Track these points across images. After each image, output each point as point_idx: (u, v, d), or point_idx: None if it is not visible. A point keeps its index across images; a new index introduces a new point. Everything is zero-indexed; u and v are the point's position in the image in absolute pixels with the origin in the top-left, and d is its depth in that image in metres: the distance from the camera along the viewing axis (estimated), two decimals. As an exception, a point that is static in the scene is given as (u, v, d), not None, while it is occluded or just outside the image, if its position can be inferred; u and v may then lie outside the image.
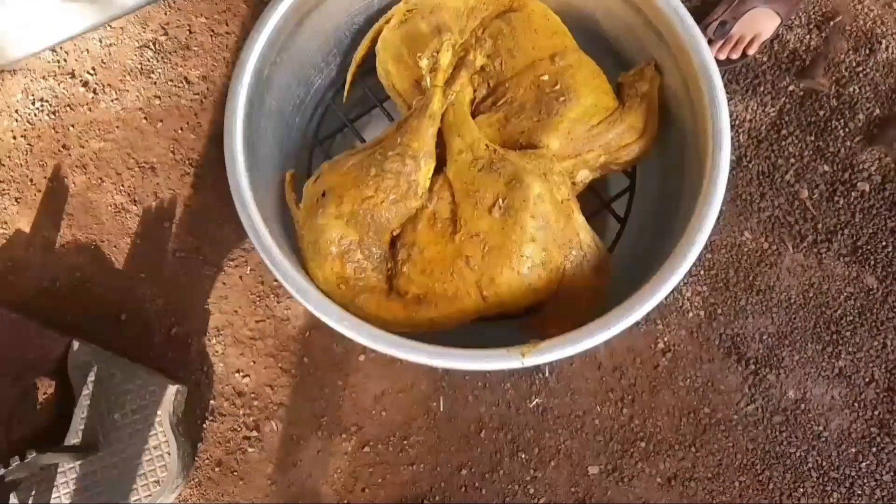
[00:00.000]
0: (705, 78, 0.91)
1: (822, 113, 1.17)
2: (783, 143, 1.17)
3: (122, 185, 1.16)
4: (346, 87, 1.08)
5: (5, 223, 1.15)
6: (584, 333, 0.83)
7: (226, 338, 1.10)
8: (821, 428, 1.07)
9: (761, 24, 1.17)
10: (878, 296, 1.11)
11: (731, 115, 1.19)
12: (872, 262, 1.12)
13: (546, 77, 0.99)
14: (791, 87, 1.19)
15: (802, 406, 1.07)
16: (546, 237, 0.90)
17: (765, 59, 1.20)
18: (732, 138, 1.18)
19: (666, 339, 1.10)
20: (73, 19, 0.82)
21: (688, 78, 0.94)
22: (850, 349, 1.09)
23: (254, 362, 1.09)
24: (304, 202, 0.96)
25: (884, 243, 1.12)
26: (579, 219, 0.93)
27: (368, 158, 0.95)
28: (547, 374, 1.09)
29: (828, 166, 1.16)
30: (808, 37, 1.21)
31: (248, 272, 1.12)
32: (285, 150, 1.04)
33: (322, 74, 1.09)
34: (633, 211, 1.06)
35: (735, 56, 1.19)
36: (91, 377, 1.03)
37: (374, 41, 1.05)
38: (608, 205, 1.05)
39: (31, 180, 1.17)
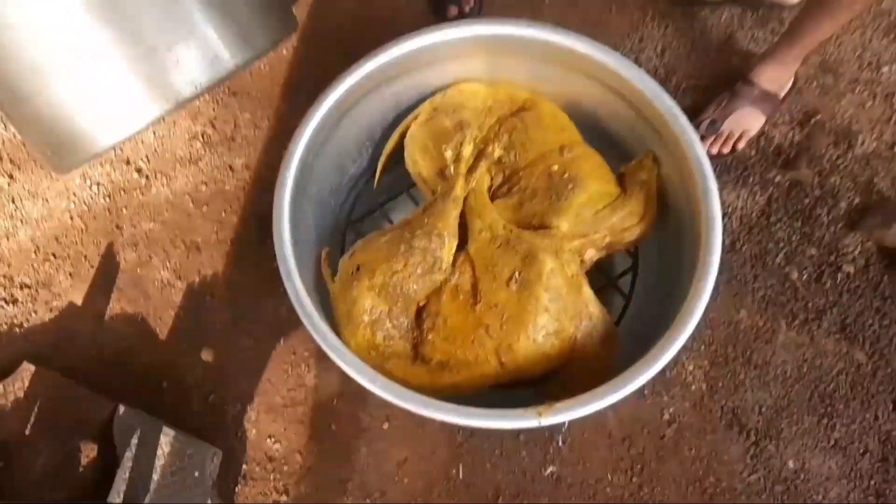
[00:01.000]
0: (698, 168, 1.02)
1: (806, 201, 1.29)
2: (772, 228, 1.28)
3: (169, 263, 1.27)
4: (377, 174, 1.20)
5: (59, 296, 1.25)
6: (596, 395, 0.91)
7: (259, 405, 1.17)
8: (820, 497, 1.12)
9: (748, 122, 1.31)
10: (867, 370, 1.18)
11: (723, 204, 1.31)
12: (861, 340, 1.20)
13: (556, 167, 1.11)
14: (778, 178, 1.31)
15: (802, 476, 1.13)
16: (558, 308, 0.99)
17: (753, 153, 1.33)
18: (725, 224, 1.30)
19: (671, 410, 1.17)
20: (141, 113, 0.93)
21: (682, 168, 1.06)
22: (844, 421, 1.15)
23: (284, 429, 1.16)
24: (340, 275, 1.06)
25: (870, 321, 1.21)
26: (588, 292, 1.03)
27: (398, 237, 1.06)
28: (560, 444, 1.16)
29: (815, 250, 1.26)
30: (791, 133, 1.34)
31: (281, 343, 1.21)
32: (321, 230, 1.15)
33: (356, 164, 1.22)
34: (636, 288, 1.16)
35: (726, 150, 1.32)
36: (134, 440, 1.10)
37: (403, 135, 1.18)
38: (614, 282, 1.16)
39: (85, 256, 1.28)
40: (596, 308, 1.03)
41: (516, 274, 1.00)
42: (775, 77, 1.29)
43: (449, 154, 1.11)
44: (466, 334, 1.02)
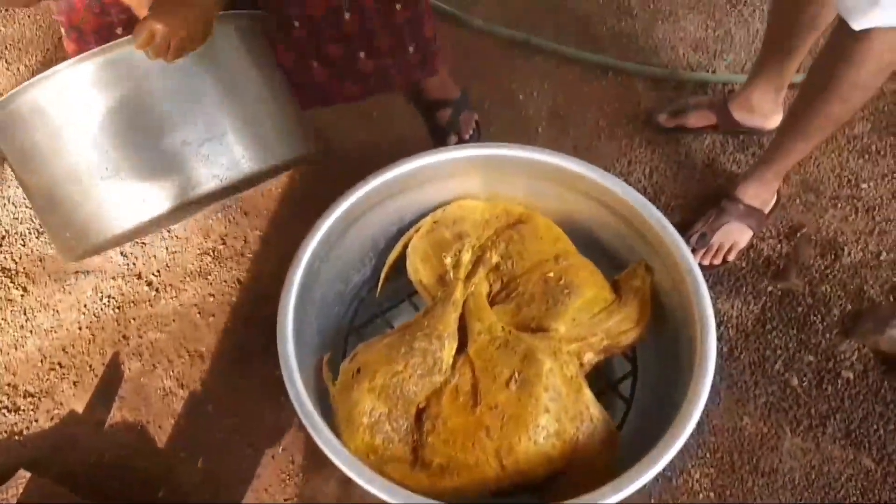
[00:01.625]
0: (688, 272, 1.06)
1: (799, 310, 1.32)
2: (769, 336, 1.30)
3: (173, 371, 1.28)
4: (380, 283, 1.25)
5: (61, 404, 1.25)
6: (595, 496, 0.90)
7: (255, 516, 1.15)
8: None
9: (736, 236, 1.37)
10: (877, 476, 1.16)
11: (718, 312, 1.34)
12: (867, 445, 1.19)
13: (552, 274, 1.15)
14: (770, 288, 1.35)
15: (820, 591, 1.08)
16: (558, 409, 1.00)
17: (743, 264, 1.38)
18: (722, 332, 1.32)
19: (679, 520, 1.14)
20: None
21: (674, 275, 1.10)
22: (859, 531, 1.12)
23: (279, 541, 1.13)
24: (340, 378, 1.08)
25: (875, 427, 1.20)
26: (588, 394, 1.04)
27: (399, 339, 1.08)
28: (565, 556, 1.11)
29: (812, 357, 1.27)
30: (779, 245, 1.39)
31: (280, 452, 1.20)
32: (324, 336, 1.17)
33: (360, 273, 1.27)
34: (636, 392, 1.16)
35: (717, 262, 1.37)
36: (124, 551, 1.07)
37: (405, 247, 1.24)
38: (615, 386, 1.16)
39: (90, 366, 1.29)
40: (596, 409, 1.04)
41: (516, 374, 1.01)
42: (757, 194, 1.36)
43: (448, 261, 1.16)
44: (467, 436, 1.01)
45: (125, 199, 0.96)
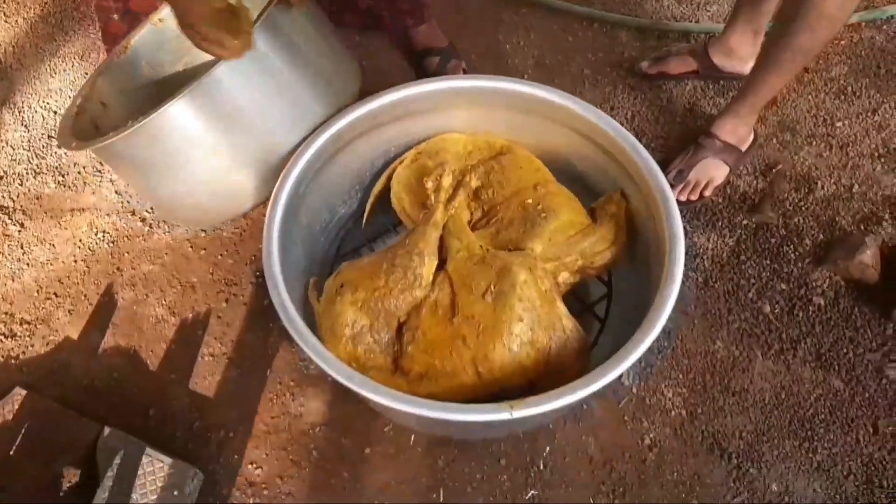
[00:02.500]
0: (659, 194, 1.09)
1: (773, 241, 1.35)
2: (742, 266, 1.34)
3: (165, 300, 1.32)
4: (366, 214, 1.28)
5: (56, 331, 1.30)
6: (566, 390, 0.93)
7: (243, 432, 1.19)
8: (808, 522, 1.11)
9: (713, 172, 1.40)
10: (845, 396, 1.20)
11: (694, 245, 1.38)
12: (836, 367, 1.23)
13: (530, 200, 1.19)
14: (745, 222, 1.38)
15: (786, 499, 1.12)
16: (532, 318, 1.03)
17: (720, 200, 1.42)
18: (697, 264, 1.36)
19: (651, 435, 1.18)
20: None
21: (647, 198, 1.13)
22: (825, 444, 1.16)
23: (266, 455, 1.17)
24: (325, 294, 1.12)
25: (844, 350, 1.24)
26: (562, 308, 1.08)
27: (381, 257, 1.12)
28: (541, 467, 1.15)
29: (784, 285, 1.31)
30: (754, 182, 1.43)
31: (267, 374, 1.24)
32: (311, 261, 1.21)
33: (346, 205, 1.30)
34: (611, 313, 1.20)
35: (693, 198, 1.41)
36: (117, 460, 1.11)
37: (390, 178, 1.28)
38: (590, 308, 1.20)
39: (85, 295, 1.33)
40: (569, 321, 1.08)
41: (492, 286, 1.05)
42: (734, 130, 1.40)
43: (430, 185, 1.20)
44: (445, 346, 1.05)
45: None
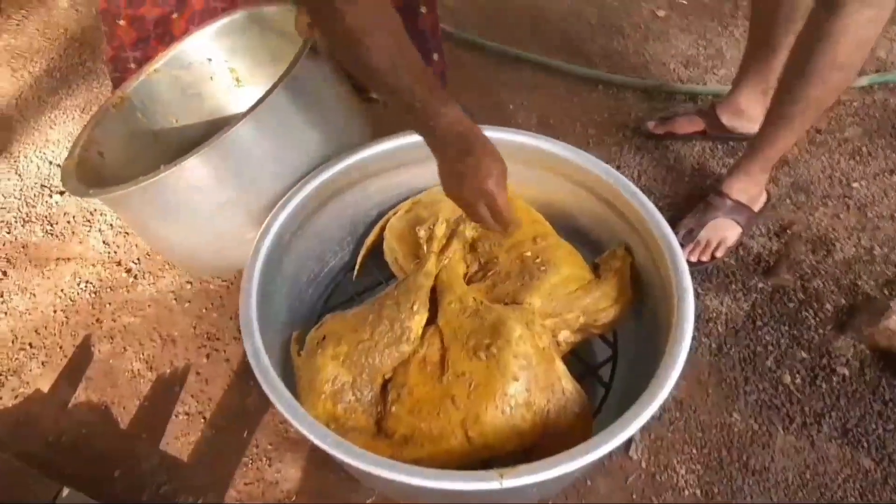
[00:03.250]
0: (667, 248, 1.02)
1: (791, 305, 1.27)
2: (759, 332, 1.25)
3: (143, 354, 1.25)
4: (357, 266, 1.22)
5: (27, 383, 1.22)
6: (564, 458, 0.84)
7: (212, 499, 1.09)
8: None
9: (724, 232, 1.33)
10: (876, 477, 1.08)
11: (707, 309, 1.29)
12: (865, 444, 1.12)
13: (529, 253, 1.12)
14: (760, 285, 1.30)
15: (815, 592, 0.99)
16: (528, 377, 0.95)
17: (732, 262, 1.34)
18: (710, 329, 1.27)
19: (662, 516, 1.07)
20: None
21: (654, 253, 1.06)
22: (857, 530, 1.04)
23: (237, 525, 1.07)
24: (306, 347, 1.04)
25: (873, 425, 1.13)
26: (561, 366, 0.99)
27: (367, 308, 1.05)
28: (540, 547, 1.04)
29: (805, 353, 1.22)
30: (769, 243, 1.36)
31: (244, 436, 1.15)
32: (294, 314, 1.14)
33: (337, 256, 1.24)
34: (616, 377, 1.11)
35: (704, 258, 1.33)
36: (71, 526, 1.01)
37: (383, 229, 1.22)
38: (594, 371, 1.11)
39: (61, 347, 1.27)
40: (569, 383, 0.99)
41: (485, 342, 0.97)
42: (745, 189, 1.34)
43: (423, 233, 1.14)
44: (432, 406, 0.97)
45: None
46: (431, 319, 1.05)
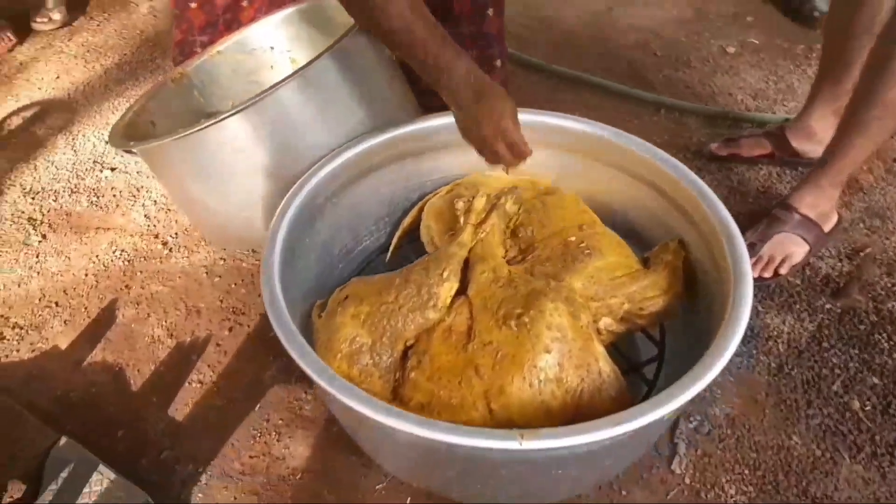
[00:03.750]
0: (725, 234, 0.94)
1: (862, 328, 1.15)
2: (825, 354, 1.13)
3: (166, 322, 1.21)
4: (392, 246, 1.17)
5: (46, 339, 1.19)
6: (589, 427, 0.75)
7: (213, 468, 1.01)
8: None
9: (789, 248, 1.23)
10: (960, 518, 0.94)
11: (767, 327, 1.18)
12: (948, 481, 0.97)
13: (573, 238, 1.05)
14: (828, 306, 1.19)
15: None
16: (562, 351, 0.86)
17: (798, 281, 1.23)
18: (771, 347, 1.16)
19: (706, 537, 0.94)
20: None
21: (713, 244, 0.97)
22: (939, 576, 0.88)
23: (234, 498, 0.98)
24: (327, 308, 0.98)
25: (958, 462, 0.99)
26: (599, 348, 0.90)
27: (395, 274, 0.99)
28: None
29: (877, 379, 1.09)
30: (838, 265, 1.25)
31: (256, 409, 1.08)
32: (322, 285, 1.08)
33: (372, 237, 1.20)
34: (661, 377, 1.00)
35: (767, 275, 1.23)
36: (64, 473, 0.95)
37: (421, 211, 1.17)
38: (638, 369, 1.01)
39: (86, 308, 1.24)
40: (608, 366, 0.90)
41: (516, 311, 0.89)
42: (814, 203, 1.24)
43: (460, 205, 1.08)
44: (454, 374, 0.89)
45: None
46: (462, 292, 0.98)
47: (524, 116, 1.07)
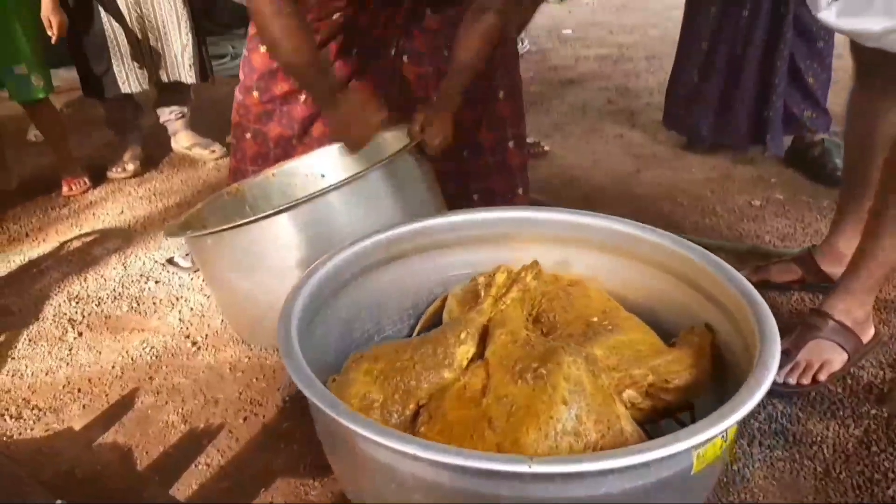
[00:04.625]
0: (753, 307, 0.93)
1: (915, 432, 1.06)
2: (876, 459, 1.03)
3: (182, 409, 1.19)
4: (415, 333, 1.16)
5: (62, 421, 1.18)
6: (602, 455, 0.69)
7: (208, 548, 0.94)
8: None
9: (826, 354, 1.18)
10: None
11: (809, 433, 1.11)
12: None
13: (595, 319, 1.04)
14: (874, 412, 1.11)
15: None
16: (580, 405, 0.83)
17: (839, 389, 1.16)
18: (815, 452, 1.07)
19: None
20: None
21: (743, 328, 0.95)
22: None
23: (228, 578, 0.90)
24: (343, 369, 0.96)
25: None
26: (622, 409, 0.87)
27: (414, 338, 0.98)
28: None
29: (938, 484, 0.98)
30: (881, 373, 1.18)
31: (260, 496, 1.02)
32: (340, 363, 1.07)
33: (395, 327, 1.20)
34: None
35: (805, 381, 1.17)
36: (52, 536, 0.90)
37: (444, 301, 1.18)
38: (664, 451, 0.94)
39: (107, 394, 1.24)
40: (630, 425, 0.85)
41: (533, 365, 0.87)
42: (848, 309, 1.21)
43: (482, 280, 1.09)
44: (466, 428, 0.85)
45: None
46: (480, 357, 0.96)
47: (561, 216, 1.15)
